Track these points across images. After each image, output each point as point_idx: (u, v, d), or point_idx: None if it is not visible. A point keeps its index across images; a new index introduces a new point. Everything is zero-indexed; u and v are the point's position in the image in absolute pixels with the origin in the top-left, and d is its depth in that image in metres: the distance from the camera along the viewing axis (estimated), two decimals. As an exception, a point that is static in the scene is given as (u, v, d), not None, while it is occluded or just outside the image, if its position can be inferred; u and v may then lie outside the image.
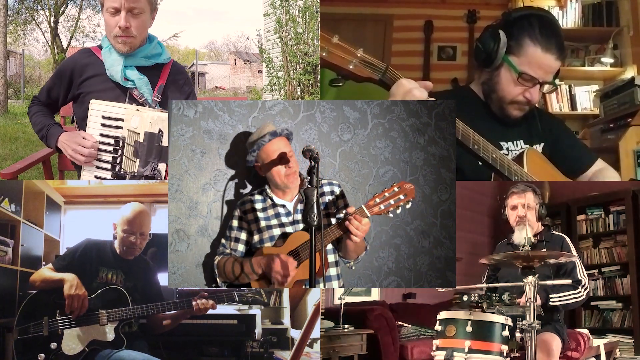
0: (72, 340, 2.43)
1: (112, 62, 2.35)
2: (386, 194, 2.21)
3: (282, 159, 2.36)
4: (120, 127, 2.32)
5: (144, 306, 2.49)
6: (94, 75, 2.39)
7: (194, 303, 2.51)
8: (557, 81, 2.40)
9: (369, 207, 2.20)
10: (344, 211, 2.47)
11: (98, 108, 2.32)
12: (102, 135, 2.34)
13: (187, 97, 2.56)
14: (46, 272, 2.54)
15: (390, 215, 2.23)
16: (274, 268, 2.18)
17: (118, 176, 2.33)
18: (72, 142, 2.33)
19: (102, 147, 2.34)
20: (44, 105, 2.53)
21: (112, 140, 2.33)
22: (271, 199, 2.44)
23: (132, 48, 2.36)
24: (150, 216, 2.67)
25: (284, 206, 2.43)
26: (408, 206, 2.23)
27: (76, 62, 2.44)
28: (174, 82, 2.50)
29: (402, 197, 2.20)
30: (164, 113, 2.34)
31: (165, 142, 2.33)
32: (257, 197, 2.48)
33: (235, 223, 2.46)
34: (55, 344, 2.41)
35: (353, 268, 2.50)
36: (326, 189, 2.50)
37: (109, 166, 2.35)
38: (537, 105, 2.58)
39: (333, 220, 2.40)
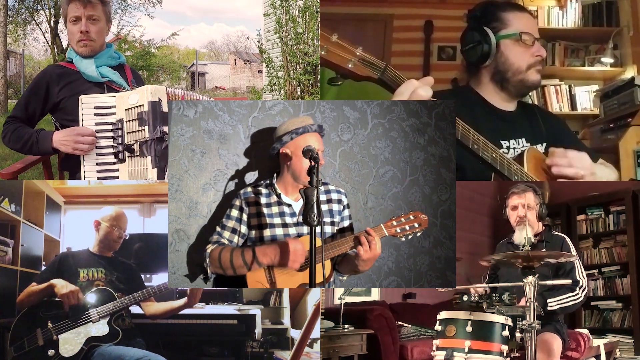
0: (69, 343, 2.47)
1: (86, 65, 2.62)
2: (402, 219, 2.33)
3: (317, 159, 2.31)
4: (114, 114, 2.51)
5: (130, 296, 2.60)
6: (70, 82, 2.62)
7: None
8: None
9: (387, 226, 2.30)
10: (346, 222, 2.49)
11: (88, 101, 2.52)
12: (97, 124, 2.51)
13: None
14: (31, 287, 2.60)
15: (403, 239, 2.34)
16: (288, 255, 2.13)
17: (127, 148, 2.48)
18: (71, 137, 2.48)
19: (100, 134, 2.50)
20: (22, 121, 2.63)
21: (109, 127, 2.50)
22: (278, 195, 2.37)
23: (93, 51, 2.65)
24: (127, 220, 2.84)
25: (290, 206, 2.36)
26: (419, 234, 2.35)
27: (49, 73, 2.65)
28: (136, 77, 2.84)
29: (416, 225, 2.34)
30: (160, 86, 2.66)
31: (165, 108, 2.53)
32: (263, 190, 2.39)
33: (234, 213, 2.37)
34: (52, 350, 2.46)
35: (344, 280, 2.51)
36: (334, 196, 2.47)
37: (110, 150, 2.50)
38: (537, 103, 2.60)
39: (328, 229, 2.40)
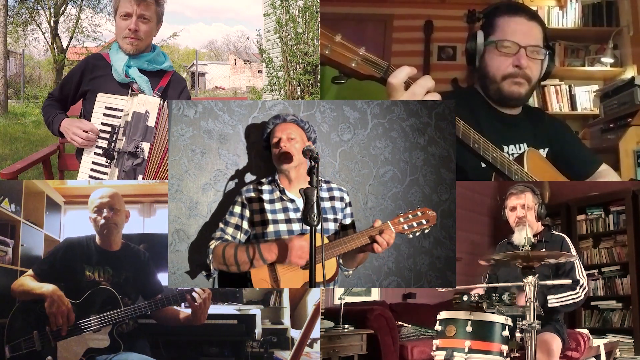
0: (67, 352, 2.33)
1: (117, 59, 2.59)
2: (410, 216, 2.28)
3: (278, 143, 2.36)
4: (120, 117, 2.51)
5: (137, 306, 2.39)
6: (102, 75, 2.63)
7: (188, 297, 2.39)
8: (547, 57, 2.47)
9: (394, 224, 2.26)
10: (348, 220, 2.49)
11: (103, 100, 2.54)
12: (103, 124, 2.52)
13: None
14: (27, 281, 2.43)
15: (410, 236, 2.29)
16: (293, 251, 2.14)
17: (107, 155, 2.50)
18: (72, 127, 2.52)
19: (102, 135, 2.52)
20: (56, 100, 2.74)
21: (109, 128, 2.52)
22: (282, 190, 2.37)
23: (138, 50, 2.62)
24: (121, 197, 2.58)
25: (293, 201, 2.37)
26: (427, 231, 2.30)
27: (87, 62, 2.72)
28: (173, 88, 2.71)
29: (424, 222, 2.29)
30: (152, 97, 2.55)
31: (150, 123, 2.50)
32: (266, 186, 2.41)
33: (237, 209, 2.37)
34: (50, 357, 2.31)
35: (349, 276, 2.51)
36: (336, 193, 2.48)
37: (100, 151, 2.52)
38: (537, 104, 2.60)
39: (332, 226, 2.40)
